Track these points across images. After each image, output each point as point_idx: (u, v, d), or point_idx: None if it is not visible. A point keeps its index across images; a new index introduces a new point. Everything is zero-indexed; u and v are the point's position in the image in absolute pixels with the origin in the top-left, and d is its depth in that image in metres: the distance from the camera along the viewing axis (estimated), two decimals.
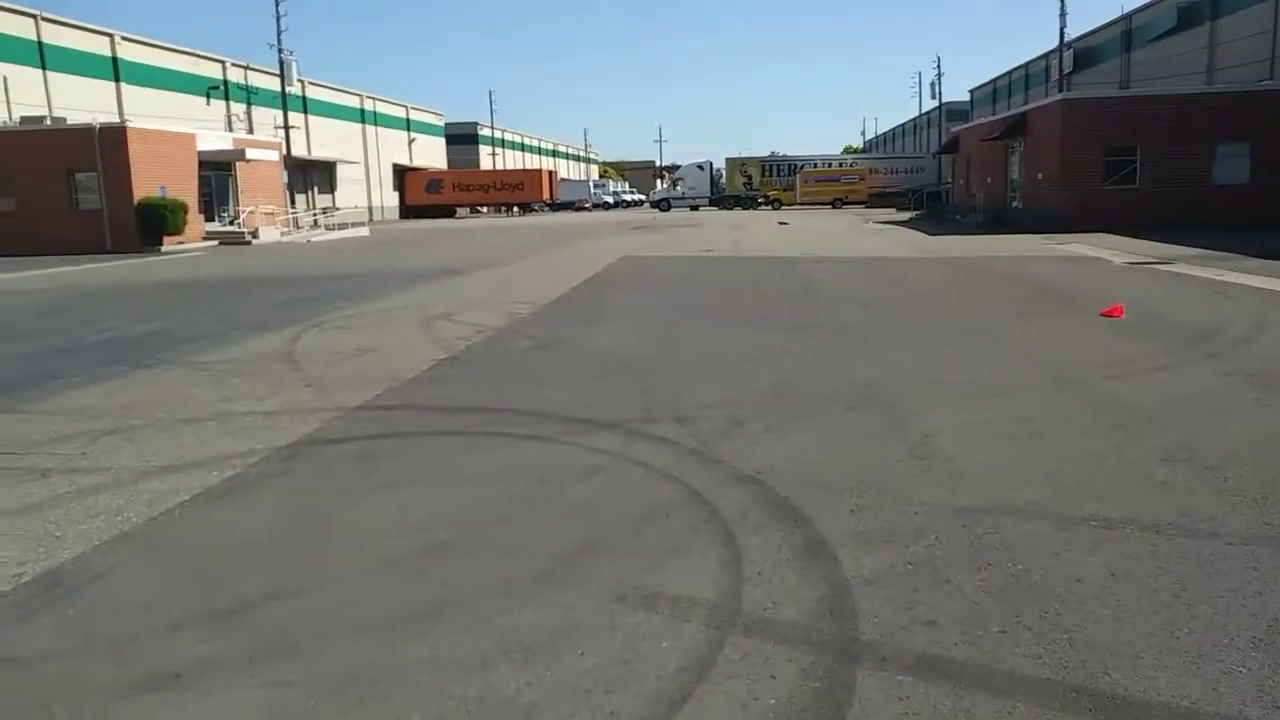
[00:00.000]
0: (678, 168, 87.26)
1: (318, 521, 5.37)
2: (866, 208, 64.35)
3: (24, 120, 36.54)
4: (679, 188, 76.53)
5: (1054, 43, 53.41)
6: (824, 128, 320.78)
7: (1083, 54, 55.18)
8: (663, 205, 75.33)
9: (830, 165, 74.53)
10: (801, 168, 72.93)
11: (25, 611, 4.20)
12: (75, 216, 33.85)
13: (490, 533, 5.08)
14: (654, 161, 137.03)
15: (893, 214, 53.65)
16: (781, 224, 42.73)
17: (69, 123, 36.13)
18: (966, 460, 6.16)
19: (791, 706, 3.27)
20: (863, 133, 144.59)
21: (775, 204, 70.98)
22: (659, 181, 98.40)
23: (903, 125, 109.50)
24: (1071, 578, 4.29)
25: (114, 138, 33.51)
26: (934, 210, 51.48)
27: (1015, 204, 37.95)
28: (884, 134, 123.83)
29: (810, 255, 24.56)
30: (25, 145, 34.05)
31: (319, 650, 3.78)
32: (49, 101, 40.72)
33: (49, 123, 36.36)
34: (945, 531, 4.87)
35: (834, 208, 67.20)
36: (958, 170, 51.03)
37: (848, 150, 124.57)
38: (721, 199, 74.80)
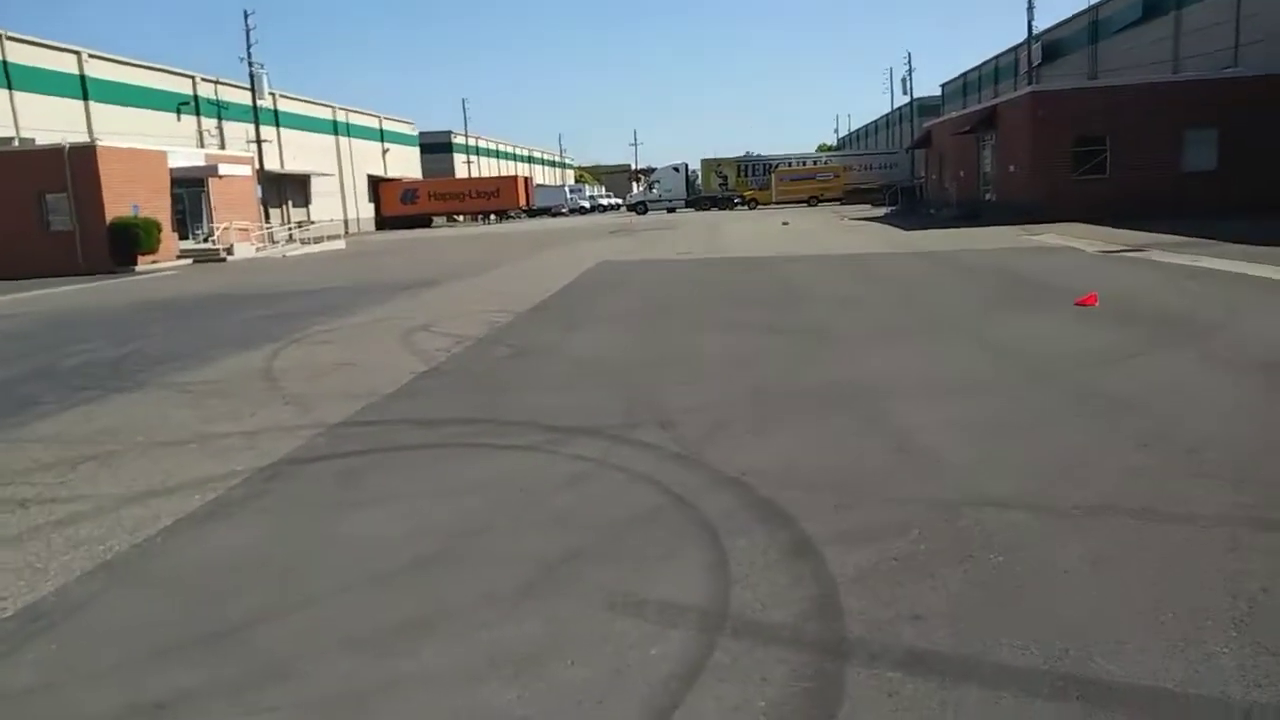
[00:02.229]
0: (653, 170, 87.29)
1: (302, 541, 5.35)
2: (842, 204, 64.63)
3: None
4: (655, 190, 76.59)
5: (1023, 36, 54.02)
6: (798, 126, 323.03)
7: (1051, 46, 55.74)
8: (639, 208, 75.25)
9: (805, 164, 74.76)
10: (776, 167, 73.16)
11: (7, 647, 4.15)
12: (47, 238, 33.46)
13: (476, 544, 5.08)
14: (630, 165, 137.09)
15: (868, 210, 53.93)
16: (784, 225, 41.80)
17: (38, 143, 35.73)
18: (947, 455, 6.21)
19: (783, 708, 3.29)
20: (836, 130, 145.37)
21: (751, 204, 71.11)
22: (635, 185, 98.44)
23: (875, 122, 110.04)
24: (1054, 567, 4.34)
25: (84, 157, 33.19)
26: (908, 205, 51.80)
27: (988, 197, 38.24)
28: (857, 131, 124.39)
29: (787, 254, 24.66)
30: None
31: (309, 670, 3.76)
32: (15, 122, 40.24)
33: (17, 144, 35.99)
34: (927, 527, 4.90)
35: (810, 205, 67.42)
36: (930, 165, 51.38)
37: (822, 148, 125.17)
38: (698, 200, 74.86)
